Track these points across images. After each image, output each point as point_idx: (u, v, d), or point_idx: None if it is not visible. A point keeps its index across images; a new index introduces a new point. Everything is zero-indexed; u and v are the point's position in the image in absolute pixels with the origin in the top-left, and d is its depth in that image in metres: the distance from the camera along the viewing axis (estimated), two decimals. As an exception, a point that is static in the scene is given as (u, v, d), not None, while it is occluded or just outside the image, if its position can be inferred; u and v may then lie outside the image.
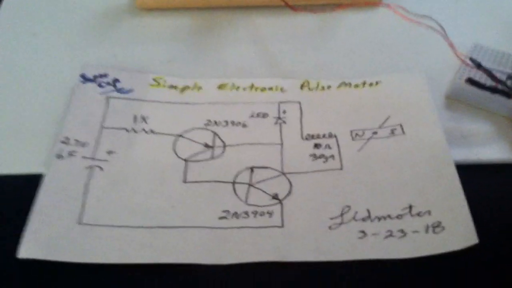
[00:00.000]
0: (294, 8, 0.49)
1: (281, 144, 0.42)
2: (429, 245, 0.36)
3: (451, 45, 0.43)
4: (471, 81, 0.42)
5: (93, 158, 0.41)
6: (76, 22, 0.53)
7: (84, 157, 0.40)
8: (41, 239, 0.36)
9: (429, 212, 0.37)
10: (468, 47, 0.48)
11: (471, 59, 0.44)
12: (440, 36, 0.44)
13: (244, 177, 0.40)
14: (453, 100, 0.45)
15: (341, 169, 0.41)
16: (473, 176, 0.40)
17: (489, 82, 0.43)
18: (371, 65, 0.48)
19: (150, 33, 0.52)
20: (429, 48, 0.49)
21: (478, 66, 0.43)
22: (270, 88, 0.46)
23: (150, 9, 0.54)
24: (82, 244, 0.36)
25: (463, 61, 0.44)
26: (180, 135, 0.43)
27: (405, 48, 0.50)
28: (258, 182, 0.40)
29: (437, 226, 0.36)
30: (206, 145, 0.42)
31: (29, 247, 0.35)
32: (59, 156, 0.40)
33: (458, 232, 0.36)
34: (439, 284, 0.35)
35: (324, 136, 0.43)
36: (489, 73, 0.42)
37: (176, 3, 0.53)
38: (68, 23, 0.53)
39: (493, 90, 0.42)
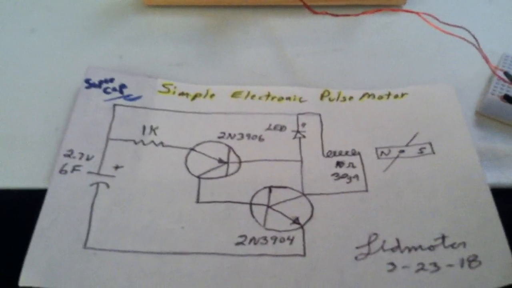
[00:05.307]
0: (313, 10, 0.45)
1: (301, 161, 0.39)
2: (464, 282, 0.33)
3: (485, 58, 0.40)
4: (508, 98, 0.39)
5: (98, 174, 0.37)
6: (78, 18, 0.49)
7: (89, 172, 0.37)
8: (43, 265, 0.33)
9: (464, 244, 0.35)
10: (497, 57, 0.45)
11: (506, 73, 0.40)
12: (468, 45, 0.41)
13: (262, 197, 0.37)
14: (483, 117, 0.42)
15: (366, 191, 0.38)
16: (506, 202, 0.37)
17: (523, 98, 0.40)
18: (395, 74, 0.45)
19: (158, 32, 0.48)
20: (457, 58, 0.46)
21: (514, 81, 0.40)
22: (288, 98, 0.43)
23: (158, 6, 0.50)
24: (87, 270, 0.33)
25: (497, 75, 0.41)
26: (192, 149, 0.39)
27: (431, 57, 0.47)
28: (276, 204, 0.37)
29: (473, 260, 0.34)
30: (220, 161, 0.39)
31: (30, 274, 0.33)
32: (63, 171, 0.37)
33: (496, 268, 0.33)
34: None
35: (347, 153, 0.40)
36: (525, 89, 0.40)
37: (186, 0, 0.49)
38: (69, 19, 0.49)
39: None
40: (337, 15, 0.45)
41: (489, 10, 0.52)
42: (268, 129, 0.41)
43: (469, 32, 0.41)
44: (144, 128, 0.40)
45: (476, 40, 0.41)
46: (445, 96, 0.43)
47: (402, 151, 0.40)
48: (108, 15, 0.49)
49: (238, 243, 0.35)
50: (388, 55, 0.47)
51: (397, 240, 0.35)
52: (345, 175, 0.38)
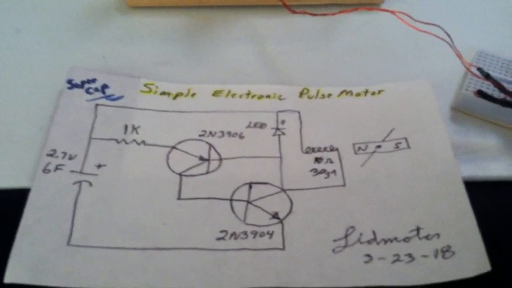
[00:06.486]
0: (292, 10, 0.46)
1: (280, 157, 0.40)
2: (439, 272, 0.34)
3: (459, 55, 0.41)
4: (481, 94, 0.40)
5: (81, 172, 0.38)
6: (63, 19, 0.50)
7: (72, 171, 0.38)
8: (28, 262, 0.34)
9: (438, 235, 0.36)
10: (472, 53, 0.46)
11: (479, 69, 0.41)
12: (445, 42, 0.42)
13: (242, 193, 0.38)
14: (458, 111, 0.43)
15: (344, 185, 0.39)
16: (481, 194, 0.38)
17: (496, 93, 0.41)
18: (373, 72, 0.46)
19: (141, 33, 0.49)
20: (434, 55, 0.47)
21: (487, 76, 0.41)
22: (268, 96, 0.44)
23: (141, 7, 0.51)
24: (71, 267, 0.34)
25: (471, 72, 0.42)
26: (174, 147, 0.40)
27: (407, 54, 0.48)
28: (257, 199, 0.38)
29: (447, 251, 0.35)
30: (201, 158, 0.40)
31: (16, 271, 0.33)
32: (46, 170, 0.38)
33: (469, 258, 0.34)
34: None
35: (325, 149, 0.41)
36: (498, 84, 0.40)
37: (169, 0, 0.50)
38: (54, 20, 0.50)
39: (504, 103, 0.40)
40: (315, 14, 0.46)
41: (467, 8, 0.53)
42: (248, 126, 0.42)
43: (443, 30, 0.42)
44: (126, 127, 0.41)
45: (450, 38, 0.42)
46: (422, 92, 0.44)
47: (379, 146, 0.40)
48: (92, 16, 0.50)
49: (219, 238, 0.36)
50: (366, 53, 0.48)
51: (374, 233, 0.36)
52: (323, 171, 0.39)
